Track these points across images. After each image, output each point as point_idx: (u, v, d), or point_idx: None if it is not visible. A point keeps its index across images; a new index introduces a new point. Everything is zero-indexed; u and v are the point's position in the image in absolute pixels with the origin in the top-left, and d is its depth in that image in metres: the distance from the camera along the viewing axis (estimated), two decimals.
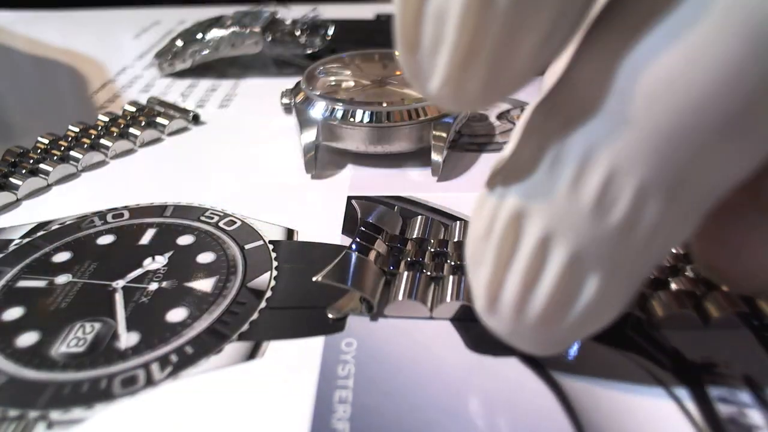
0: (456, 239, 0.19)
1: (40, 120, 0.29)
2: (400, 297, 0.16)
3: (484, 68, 0.10)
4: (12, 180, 0.23)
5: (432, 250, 0.18)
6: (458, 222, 0.19)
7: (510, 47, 0.10)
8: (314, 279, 0.16)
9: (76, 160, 0.24)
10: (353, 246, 0.18)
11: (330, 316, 0.16)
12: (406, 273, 0.17)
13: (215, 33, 0.33)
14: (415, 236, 0.19)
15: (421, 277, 0.17)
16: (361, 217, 0.18)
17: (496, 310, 0.12)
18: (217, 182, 0.24)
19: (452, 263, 0.17)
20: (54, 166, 0.24)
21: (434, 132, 0.24)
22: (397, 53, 0.11)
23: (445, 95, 0.11)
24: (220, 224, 0.21)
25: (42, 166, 0.24)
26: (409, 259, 0.18)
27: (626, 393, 0.14)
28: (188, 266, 0.19)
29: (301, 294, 0.17)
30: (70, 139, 0.26)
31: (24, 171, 0.23)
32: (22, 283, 0.18)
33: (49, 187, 0.23)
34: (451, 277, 0.17)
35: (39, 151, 0.25)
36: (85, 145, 0.25)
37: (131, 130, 0.27)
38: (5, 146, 0.25)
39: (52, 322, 0.16)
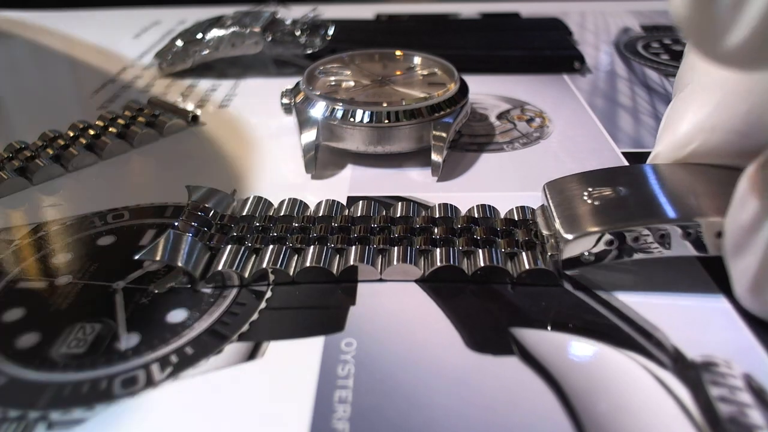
0: (282, 213, 0.20)
1: (40, 118, 0.29)
2: (221, 267, 0.17)
3: None
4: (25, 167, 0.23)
5: (258, 225, 0.19)
6: (286, 200, 0.20)
7: None
8: (135, 257, 0.17)
9: (76, 159, 0.25)
10: (175, 224, 0.19)
11: (155, 291, 0.17)
12: (228, 247, 0.18)
13: (215, 33, 0.33)
14: (244, 214, 0.20)
15: (242, 250, 0.18)
16: (191, 199, 0.20)
17: (761, 295, 0.15)
18: (218, 183, 0.24)
19: (274, 234, 0.19)
20: (52, 165, 0.24)
21: (434, 132, 0.24)
22: (678, 7, 0.10)
23: (746, 52, 0.10)
24: None
25: (38, 163, 0.24)
26: (235, 234, 0.19)
27: (626, 393, 0.14)
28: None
29: (301, 295, 0.17)
30: (69, 138, 0.26)
31: (16, 167, 0.24)
32: (23, 284, 0.18)
33: (48, 187, 0.23)
34: (270, 247, 0.18)
35: (37, 149, 0.25)
36: (85, 145, 0.25)
37: (131, 129, 0.27)
38: (4, 143, 0.25)
39: (52, 323, 0.16)
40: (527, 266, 0.17)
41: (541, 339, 0.16)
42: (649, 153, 0.25)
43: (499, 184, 0.23)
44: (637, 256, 0.16)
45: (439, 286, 0.17)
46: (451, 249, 0.18)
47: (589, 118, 0.28)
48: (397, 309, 0.17)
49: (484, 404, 0.14)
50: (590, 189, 0.18)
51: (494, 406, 0.14)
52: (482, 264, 0.17)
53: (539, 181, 0.23)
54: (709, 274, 0.18)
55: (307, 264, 0.18)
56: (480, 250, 0.18)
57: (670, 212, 0.16)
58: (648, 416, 0.14)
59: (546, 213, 0.18)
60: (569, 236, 0.16)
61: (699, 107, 0.17)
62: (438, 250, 0.18)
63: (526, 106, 0.30)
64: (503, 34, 0.39)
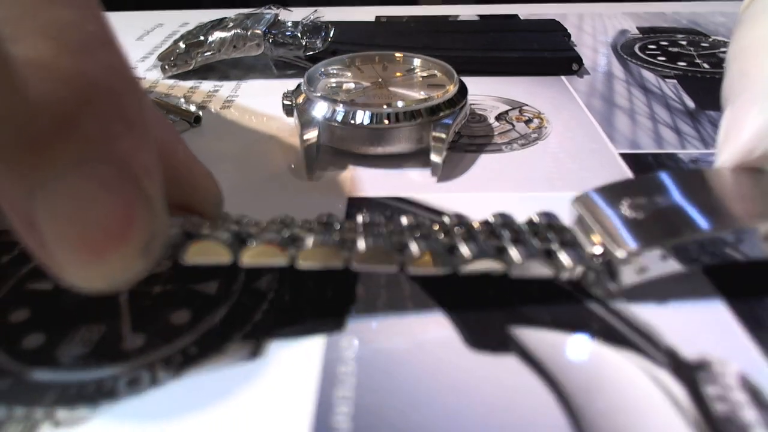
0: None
1: None
2: None
3: None
4: None
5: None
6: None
7: None
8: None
9: None
10: None
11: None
12: None
13: (218, 35, 0.33)
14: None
15: None
16: None
17: None
18: (220, 183, 0.24)
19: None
20: None
21: (434, 133, 0.24)
22: None
23: None
24: None
25: None
26: None
27: (624, 392, 0.14)
28: (192, 268, 0.19)
29: (303, 294, 0.18)
30: None
31: None
32: (30, 285, 0.18)
33: None
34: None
35: None
36: None
37: None
38: None
39: (58, 323, 0.17)
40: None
41: (539, 339, 0.16)
42: (646, 154, 0.25)
43: (498, 185, 0.23)
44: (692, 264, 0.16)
45: (439, 284, 0.18)
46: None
47: (586, 119, 0.29)
48: (397, 309, 0.17)
49: (484, 403, 0.14)
50: (628, 200, 0.17)
51: (493, 405, 0.14)
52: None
53: (538, 182, 0.23)
54: (705, 273, 0.18)
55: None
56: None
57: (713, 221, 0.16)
58: (644, 415, 0.14)
59: (584, 226, 0.17)
60: (622, 254, 0.15)
61: (760, 112, 0.18)
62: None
63: (524, 107, 0.30)
64: (502, 36, 0.39)
